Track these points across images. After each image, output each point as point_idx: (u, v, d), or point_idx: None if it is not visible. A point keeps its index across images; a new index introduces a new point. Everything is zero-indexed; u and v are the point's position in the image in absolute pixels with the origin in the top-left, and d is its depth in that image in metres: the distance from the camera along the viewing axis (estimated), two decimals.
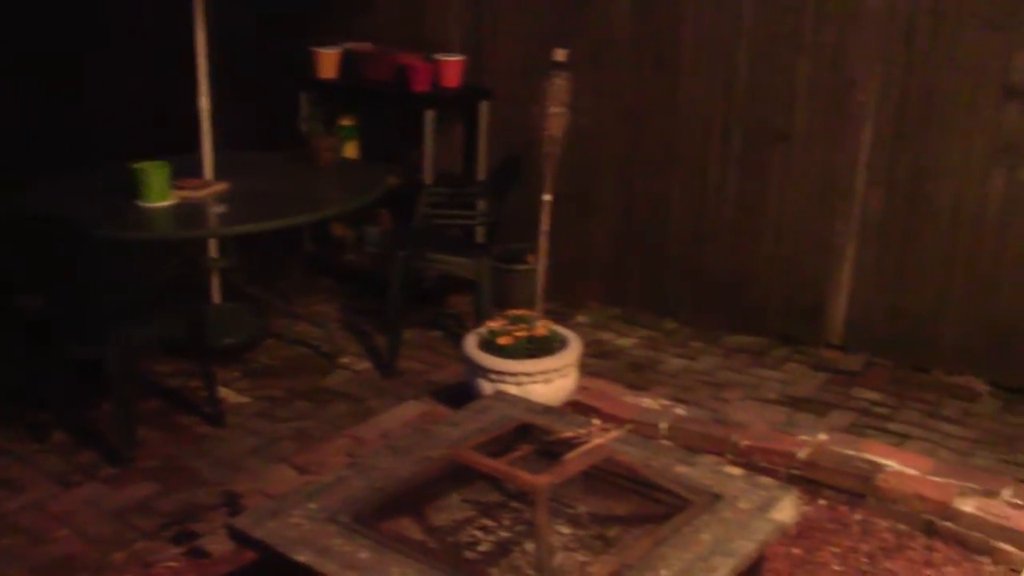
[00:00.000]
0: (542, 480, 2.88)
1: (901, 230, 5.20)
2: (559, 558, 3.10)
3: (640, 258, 5.90)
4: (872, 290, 5.33)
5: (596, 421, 3.18)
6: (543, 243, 4.54)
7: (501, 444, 3.40)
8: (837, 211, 5.32)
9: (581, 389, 4.61)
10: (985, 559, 3.84)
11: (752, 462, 4.19)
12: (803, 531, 3.93)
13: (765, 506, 3.23)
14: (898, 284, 5.25)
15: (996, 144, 4.91)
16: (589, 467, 3.06)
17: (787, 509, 3.26)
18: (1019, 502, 3.95)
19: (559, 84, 4.37)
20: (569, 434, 3.15)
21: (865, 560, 3.83)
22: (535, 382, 4.30)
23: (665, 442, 4.34)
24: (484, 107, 6.17)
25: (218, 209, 4.80)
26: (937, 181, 5.07)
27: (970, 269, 5.06)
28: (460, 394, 4.42)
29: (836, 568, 3.77)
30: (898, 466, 4.20)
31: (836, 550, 3.87)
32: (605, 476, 3.34)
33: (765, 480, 3.40)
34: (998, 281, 5.00)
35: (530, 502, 3.10)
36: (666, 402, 4.67)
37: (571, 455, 3.01)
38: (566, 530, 3.24)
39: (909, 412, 4.85)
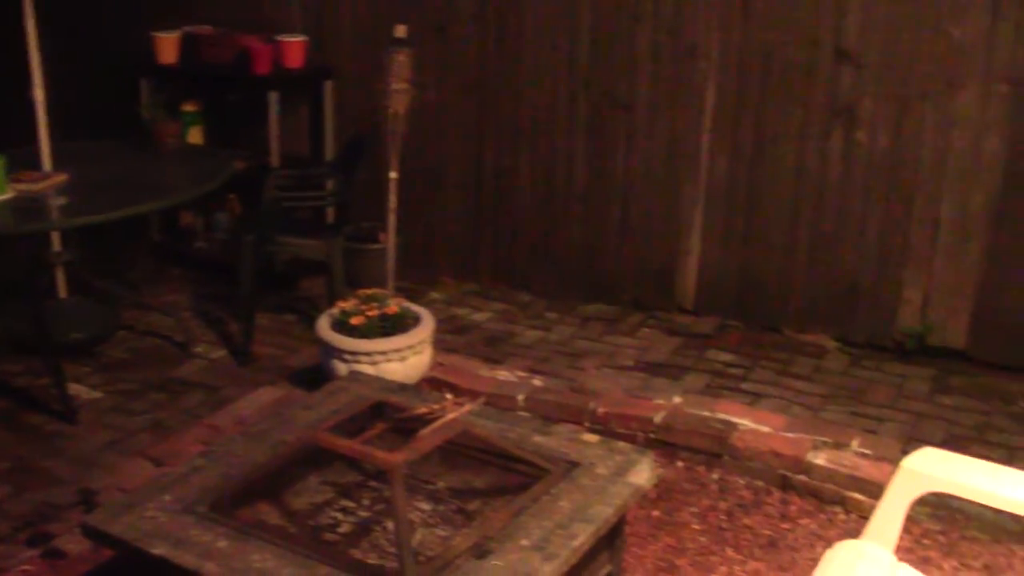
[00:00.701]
0: (397, 457, 2.86)
1: (746, 193, 5.28)
2: (419, 535, 3.09)
3: (492, 232, 5.89)
4: (721, 253, 5.40)
5: (449, 396, 3.17)
6: (391, 221, 4.52)
7: (356, 424, 3.36)
8: (683, 177, 5.38)
9: (437, 365, 4.61)
10: (838, 509, 3.95)
11: (610, 428, 4.25)
12: (662, 493, 3.99)
13: (622, 471, 3.26)
14: (746, 247, 5.34)
15: (833, 106, 5.01)
16: (444, 442, 3.04)
17: (644, 472, 3.29)
18: (867, 452, 4.07)
19: (401, 60, 4.35)
20: (423, 410, 3.13)
21: (724, 518, 3.91)
22: (389, 360, 4.29)
23: (523, 413, 4.36)
24: (328, 87, 6.09)
25: (59, 201, 4.66)
26: (779, 144, 5.16)
27: (814, 229, 5.16)
28: (316, 377, 4.38)
29: (696, 527, 3.84)
30: (752, 424, 4.29)
31: (695, 510, 3.94)
32: (463, 450, 3.35)
33: (622, 445, 3.44)
34: (841, 240, 5.12)
35: (387, 480, 3.08)
36: (523, 374, 4.70)
37: (425, 431, 2.99)
38: (426, 506, 3.23)
39: (762, 371, 4.93)
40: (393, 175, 4.48)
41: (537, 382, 4.63)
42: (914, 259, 5.00)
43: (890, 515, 2.79)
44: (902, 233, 5.00)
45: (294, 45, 5.97)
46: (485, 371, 4.72)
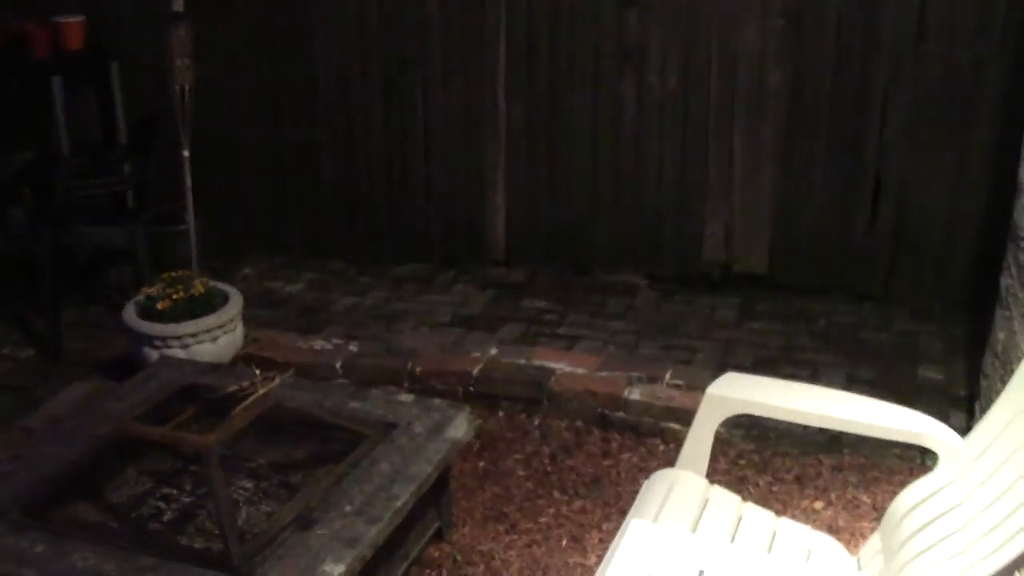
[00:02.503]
0: (209, 439, 2.84)
1: (546, 142, 5.34)
2: (243, 513, 3.08)
3: (297, 203, 5.83)
4: (527, 203, 5.46)
5: (258, 371, 3.15)
6: (189, 201, 4.45)
7: (167, 410, 3.32)
8: (483, 131, 5.41)
9: (252, 342, 4.57)
10: (656, 440, 4.06)
11: (429, 386, 4.28)
12: (486, 444, 4.04)
13: (439, 427, 3.31)
14: (550, 194, 5.40)
15: (622, 51, 5.09)
16: (258, 418, 3.03)
17: (461, 427, 3.34)
18: (679, 383, 4.19)
19: (181, 36, 4.26)
20: (233, 388, 3.12)
21: (548, 461, 3.98)
22: (200, 342, 4.23)
23: (341, 381, 4.37)
24: (114, 68, 5.92)
25: None
26: (573, 92, 5.22)
27: (615, 172, 5.26)
28: (128, 367, 4.29)
29: (521, 473, 3.90)
30: (568, 367, 4.37)
31: (520, 456, 4.01)
32: (281, 424, 3.33)
33: (437, 402, 3.48)
34: (641, 180, 5.22)
35: (205, 463, 3.06)
36: (339, 341, 4.69)
37: (237, 409, 2.98)
38: (248, 484, 3.22)
39: (576, 315, 5.00)
40: (186, 153, 4.41)
41: (353, 348, 4.63)
42: (712, 193, 5.14)
43: (699, 441, 2.87)
44: (699, 169, 5.13)
45: (72, 26, 5.76)
46: (301, 342, 4.70)
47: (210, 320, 4.28)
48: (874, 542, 2.68)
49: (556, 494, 3.77)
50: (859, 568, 2.66)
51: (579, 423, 4.20)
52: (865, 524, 3.52)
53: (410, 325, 4.93)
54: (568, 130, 5.29)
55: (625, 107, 5.16)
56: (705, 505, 2.78)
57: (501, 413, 4.26)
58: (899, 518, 2.56)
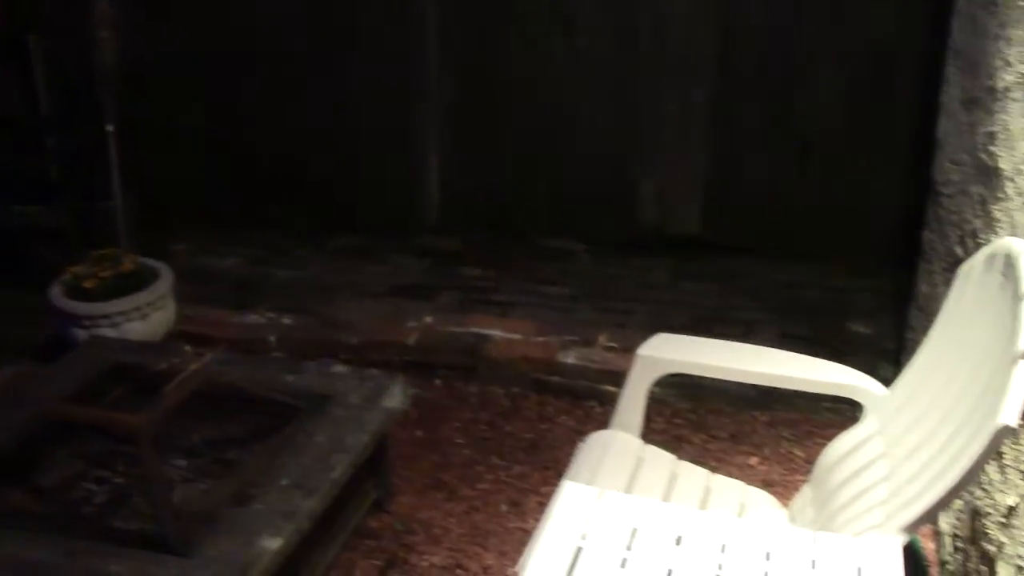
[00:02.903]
0: (141, 418, 2.82)
1: (478, 109, 5.31)
2: (179, 492, 3.06)
3: (231, 176, 5.75)
4: (461, 170, 5.44)
5: (188, 348, 3.13)
6: (115, 176, 4.39)
7: (97, 390, 3.30)
8: (415, 99, 5.37)
9: (185, 318, 4.52)
10: (593, 403, 4.09)
11: (365, 358, 4.26)
12: (424, 412, 4.04)
13: (374, 397, 3.31)
14: (484, 161, 5.39)
15: (551, 15, 5.08)
16: (190, 395, 3.00)
17: (397, 396, 3.34)
18: (614, 345, 4.22)
19: (104, 7, 4.20)
20: (164, 366, 3.09)
21: (485, 428, 4.00)
22: (131, 320, 4.19)
23: (277, 355, 4.35)
24: (33, 40, 5.79)
25: None
26: (505, 57, 5.20)
27: (548, 137, 5.25)
28: (57, 348, 4.23)
29: (460, 441, 3.92)
30: (504, 334, 4.39)
31: (457, 424, 4.02)
32: (215, 401, 3.31)
33: (372, 372, 3.48)
34: (575, 144, 5.22)
35: (138, 443, 3.03)
36: (273, 315, 4.66)
37: (169, 387, 2.95)
38: (183, 462, 3.19)
39: (511, 281, 5.00)
40: (110, 128, 4.35)
41: (288, 321, 4.61)
42: (645, 157, 5.15)
43: (632, 401, 2.90)
44: (631, 133, 5.14)
45: None
46: (234, 317, 4.66)
47: (140, 298, 4.23)
48: (805, 494, 2.72)
49: (494, 460, 3.79)
50: (791, 520, 2.70)
51: (516, 389, 4.21)
52: (799, 477, 3.57)
53: (346, 297, 4.89)
54: (500, 96, 5.27)
55: (557, 71, 5.15)
56: (640, 465, 2.80)
57: (438, 381, 4.27)
58: (827, 470, 2.61)
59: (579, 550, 2.02)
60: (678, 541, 2.05)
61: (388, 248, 5.44)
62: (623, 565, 1.99)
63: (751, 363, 2.79)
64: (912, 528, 2.06)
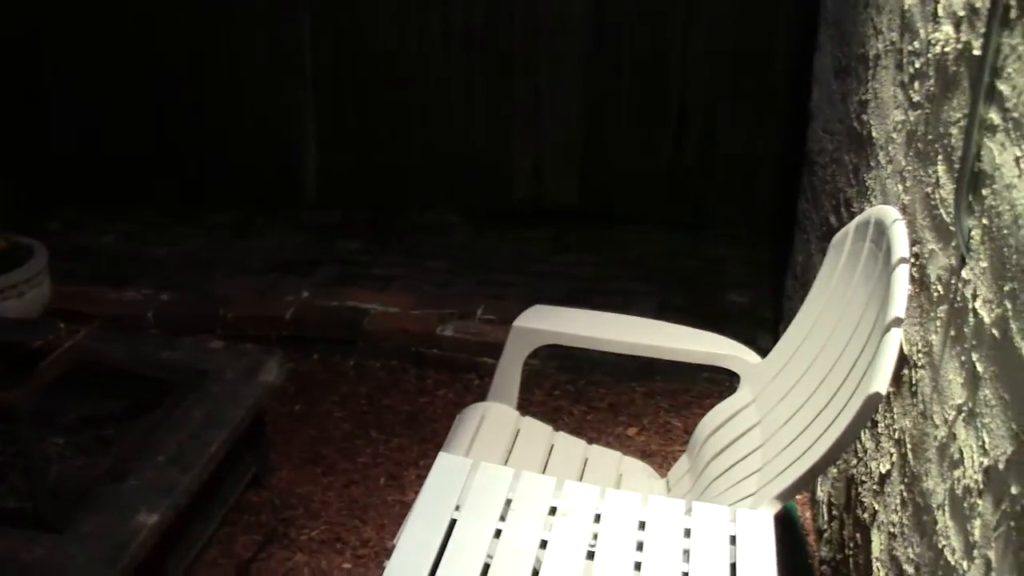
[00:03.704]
0: (14, 395, 2.77)
1: (353, 83, 5.29)
2: (56, 469, 3.01)
3: (106, 153, 5.64)
4: (338, 145, 5.41)
5: (62, 324, 3.07)
6: None
7: None
8: (290, 73, 5.32)
9: (60, 296, 4.43)
10: (471, 375, 4.11)
11: (243, 332, 4.23)
12: (302, 387, 4.03)
13: (251, 372, 3.29)
14: (361, 134, 5.36)
15: None
16: (66, 372, 2.95)
17: (273, 370, 3.33)
18: (491, 317, 4.24)
19: None
20: (38, 344, 3.03)
21: (364, 402, 4.00)
22: (6, 298, 4.09)
23: (154, 331, 4.29)
24: None
25: None
26: (379, 29, 5.17)
27: (424, 110, 5.25)
28: None
29: (338, 415, 3.91)
30: (382, 307, 4.38)
31: (335, 398, 4.01)
32: (89, 377, 3.26)
33: (248, 347, 3.46)
34: (451, 118, 5.23)
35: (13, 421, 2.98)
36: (150, 291, 4.60)
37: (44, 363, 2.90)
38: (60, 439, 3.13)
39: (390, 255, 4.99)
40: None
41: (165, 297, 4.55)
42: (521, 128, 5.18)
43: (508, 372, 2.92)
44: (507, 104, 5.16)
45: None
46: (111, 294, 4.58)
47: (14, 275, 4.14)
48: (682, 464, 2.77)
49: (373, 434, 3.79)
50: (668, 490, 2.75)
51: (394, 362, 4.21)
52: (677, 448, 3.63)
53: (224, 272, 4.84)
54: (376, 68, 5.24)
55: (432, 43, 5.14)
56: (517, 436, 2.83)
57: (316, 356, 4.25)
58: (703, 439, 2.66)
59: (453, 522, 2.03)
60: (552, 511, 2.07)
61: (266, 223, 5.39)
62: (496, 536, 2.01)
63: (626, 334, 2.82)
64: (785, 497, 2.11)
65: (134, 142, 5.61)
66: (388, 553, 2.78)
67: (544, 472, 2.68)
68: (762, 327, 4.19)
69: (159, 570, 2.91)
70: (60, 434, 3.15)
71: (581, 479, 2.72)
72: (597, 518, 2.06)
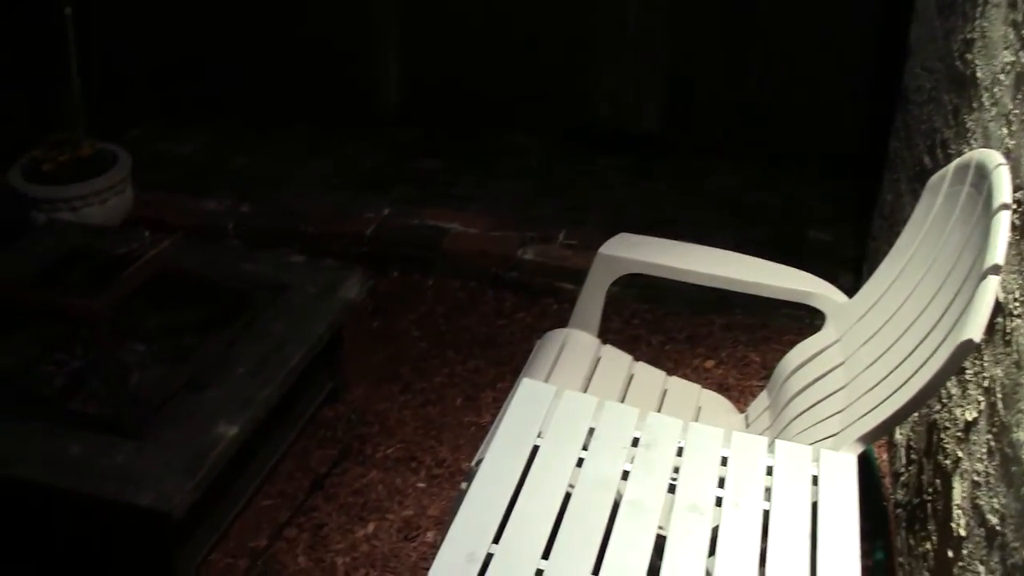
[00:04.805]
0: (97, 303, 2.80)
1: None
2: (135, 376, 3.05)
3: (186, 61, 5.63)
4: (421, 60, 5.36)
5: (148, 233, 3.10)
6: (72, 59, 4.31)
7: (57, 274, 3.28)
8: None
9: (141, 204, 4.48)
10: (550, 300, 4.10)
11: (322, 247, 4.24)
12: (380, 304, 4.05)
13: (331, 287, 3.30)
14: (445, 52, 5.31)
15: None
16: (147, 281, 2.98)
17: (353, 287, 3.33)
18: (572, 242, 4.22)
19: None
20: (122, 251, 3.07)
21: (441, 321, 4.00)
22: (89, 205, 4.14)
23: (233, 242, 4.32)
24: None
25: None
26: None
27: (508, 30, 5.17)
28: (13, 231, 4.16)
29: (415, 334, 3.93)
30: (461, 228, 4.38)
31: (413, 317, 4.02)
32: (171, 286, 3.29)
33: (329, 262, 3.48)
34: (534, 38, 5.15)
35: (96, 327, 3.02)
36: (231, 203, 4.61)
37: (127, 272, 2.93)
38: (139, 347, 3.17)
39: (469, 175, 4.94)
40: (68, 10, 4.25)
41: (245, 209, 4.56)
42: (605, 51, 5.10)
43: (591, 300, 2.91)
44: (591, 26, 5.08)
45: None
46: (193, 204, 4.61)
47: (99, 182, 4.18)
48: (761, 400, 2.75)
49: (450, 354, 3.80)
50: (747, 426, 2.73)
51: (472, 283, 4.21)
52: (755, 383, 3.61)
53: (301, 186, 4.83)
54: None
55: None
56: (597, 364, 2.82)
57: (395, 274, 4.26)
58: (785, 376, 2.63)
59: (535, 448, 2.03)
60: (634, 443, 2.06)
61: (344, 138, 5.35)
62: (579, 464, 2.00)
63: (712, 266, 2.79)
64: (868, 439, 2.08)
65: (214, 50, 5.58)
66: (465, 474, 2.81)
67: (624, 402, 2.67)
68: (844, 266, 4.13)
69: (236, 480, 2.95)
70: (140, 342, 3.19)
71: (659, 410, 2.71)
72: (679, 451, 2.04)
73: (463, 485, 2.48)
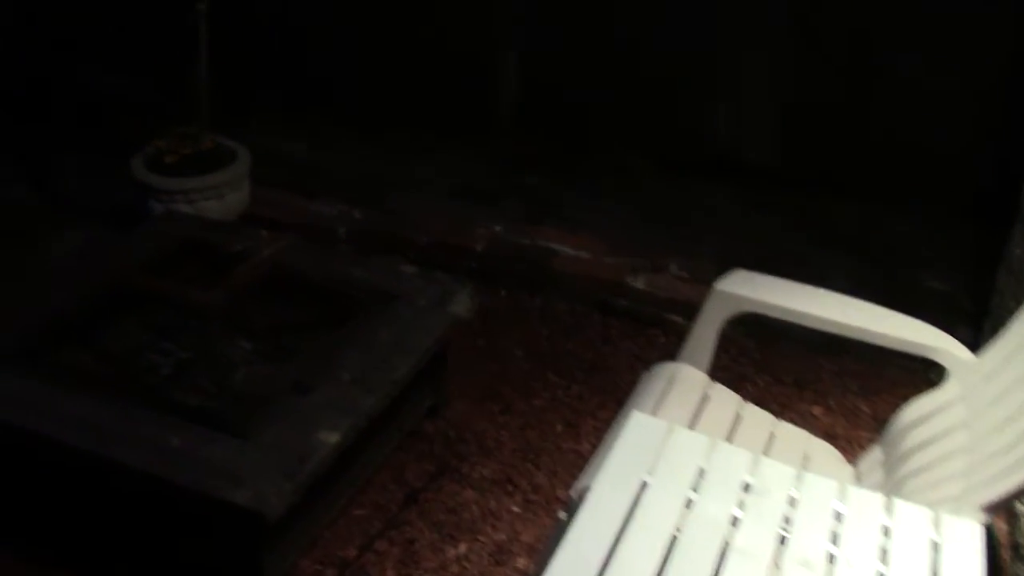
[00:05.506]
0: (213, 297, 2.82)
1: (564, 8, 5.17)
2: (240, 373, 3.06)
3: (303, 60, 5.66)
4: (539, 75, 5.32)
5: (265, 232, 3.11)
6: (203, 56, 4.35)
7: (172, 264, 3.30)
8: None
9: (256, 201, 4.50)
10: (657, 330, 4.04)
11: (431, 259, 4.21)
12: (485, 322, 4.00)
13: (441, 301, 3.28)
14: (564, 68, 5.26)
15: None
16: (261, 279, 2.99)
17: (463, 302, 3.31)
18: (685, 274, 4.16)
19: None
20: (239, 248, 3.08)
21: (546, 343, 3.96)
22: (206, 198, 4.17)
23: (344, 247, 4.33)
24: None
25: None
26: None
27: (625, 48, 5.10)
28: (131, 217, 4.22)
29: (518, 354, 3.89)
30: (572, 250, 4.34)
31: (518, 337, 3.98)
32: (281, 286, 3.31)
33: (440, 276, 3.45)
34: (652, 58, 5.03)
35: (205, 320, 3.03)
36: (342, 206, 4.62)
37: (241, 268, 2.94)
38: (246, 344, 3.17)
39: (579, 194, 4.87)
40: (202, 6, 4.29)
41: (357, 214, 4.57)
42: (725, 78, 5.03)
43: (704, 336, 2.86)
44: (712, 51, 5.00)
45: None
46: (304, 204, 4.63)
47: (219, 177, 4.22)
48: (875, 454, 2.67)
49: (553, 377, 3.75)
50: (857, 479, 2.65)
51: (580, 307, 4.16)
52: (863, 433, 3.51)
53: (410, 193, 4.81)
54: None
55: None
56: (705, 401, 2.77)
57: (502, 292, 4.22)
58: (903, 431, 2.55)
59: (644, 484, 1.98)
60: (746, 488, 2.00)
61: (457, 144, 5.28)
62: (688, 506, 1.95)
63: (833, 312, 2.73)
64: (994, 508, 2.01)
65: (331, 51, 5.59)
66: (563, 503, 2.76)
67: (730, 442, 2.61)
68: (962, 319, 3.99)
69: (332, 487, 2.93)
70: (247, 338, 3.19)
71: (767, 455, 2.64)
72: (791, 501, 1.98)
73: (561, 515, 2.44)
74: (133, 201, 4.31)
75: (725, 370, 3.77)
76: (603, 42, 5.10)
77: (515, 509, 3.15)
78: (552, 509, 3.13)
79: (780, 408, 3.60)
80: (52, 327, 3.12)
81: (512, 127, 5.35)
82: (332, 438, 2.70)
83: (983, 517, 1.99)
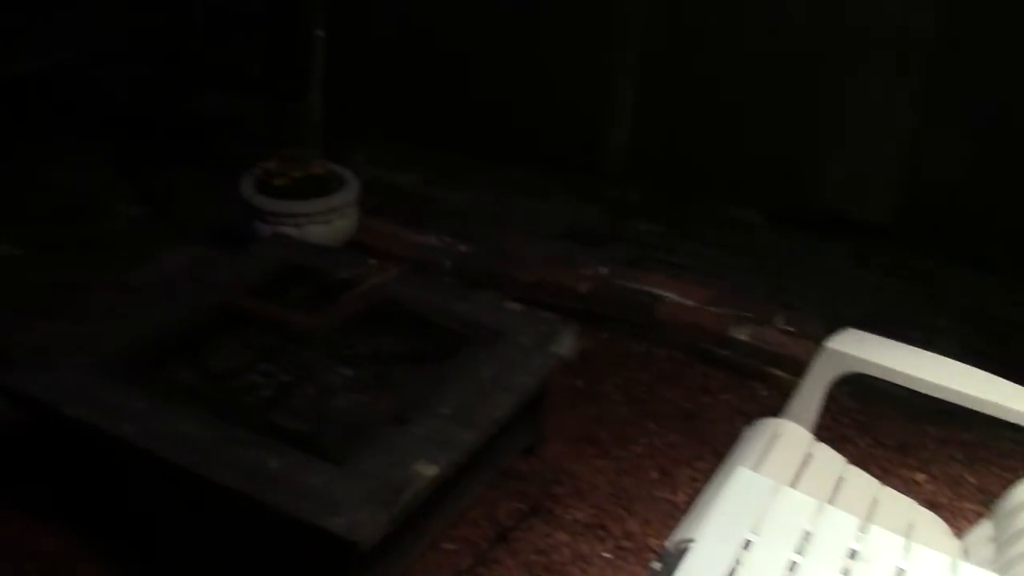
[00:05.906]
0: (317, 322, 2.82)
1: (679, 61, 5.16)
2: (340, 399, 3.06)
3: (414, 91, 5.70)
4: (651, 120, 5.29)
5: (373, 261, 3.11)
6: (317, 82, 4.40)
7: (277, 287, 3.32)
8: (614, 41, 5.24)
9: (362, 229, 4.52)
10: (758, 384, 3.97)
11: (535, 297, 4.19)
12: (585, 363, 3.96)
13: (545, 340, 3.26)
14: (677, 115, 5.24)
15: None
16: (366, 307, 3.00)
17: (567, 343, 3.29)
18: (790, 329, 4.10)
19: None
20: (346, 275, 3.09)
21: (645, 389, 3.92)
22: (313, 223, 4.20)
23: (448, 280, 4.33)
24: None
25: None
26: (709, 11, 5.03)
27: (744, 101, 5.07)
28: (238, 238, 4.26)
29: (617, 398, 3.86)
30: (677, 297, 4.30)
31: (618, 381, 3.95)
32: (385, 316, 3.31)
33: (545, 315, 3.43)
34: (769, 114, 5.02)
35: (307, 345, 3.04)
36: (449, 239, 4.63)
37: (347, 296, 2.95)
38: (346, 371, 3.18)
39: (686, 243, 4.84)
40: (320, 32, 4.34)
41: (463, 248, 4.57)
42: (842, 135, 4.96)
43: (811, 394, 2.81)
44: (830, 109, 4.95)
45: None
46: (411, 236, 4.64)
47: (326, 202, 4.25)
48: (984, 528, 2.59)
49: (650, 424, 3.72)
50: (964, 553, 2.57)
51: (680, 355, 4.11)
52: (968, 505, 3.41)
53: (517, 231, 4.81)
54: (697, 50, 5.08)
55: (757, 41, 4.95)
56: (807, 461, 2.71)
57: (604, 334, 4.19)
58: (1017, 509, 2.47)
59: (748, 542, 1.94)
60: (852, 555, 1.95)
61: (565, 186, 5.30)
62: (791, 568, 1.90)
63: (947, 378, 2.66)
64: None
65: (444, 85, 5.63)
66: (656, 553, 2.72)
67: (832, 504, 2.54)
68: None
69: (424, 519, 2.92)
70: (348, 366, 3.20)
71: (870, 521, 2.58)
72: (898, 572, 1.92)
73: (655, 565, 2.40)
74: (240, 221, 4.35)
75: (826, 429, 3.67)
76: (717, 98, 5.07)
77: (606, 555, 3.11)
78: (643, 558, 3.08)
79: (882, 473, 3.51)
80: (158, 343, 3.15)
81: (624, 172, 5.34)
82: (430, 471, 2.69)
83: None
